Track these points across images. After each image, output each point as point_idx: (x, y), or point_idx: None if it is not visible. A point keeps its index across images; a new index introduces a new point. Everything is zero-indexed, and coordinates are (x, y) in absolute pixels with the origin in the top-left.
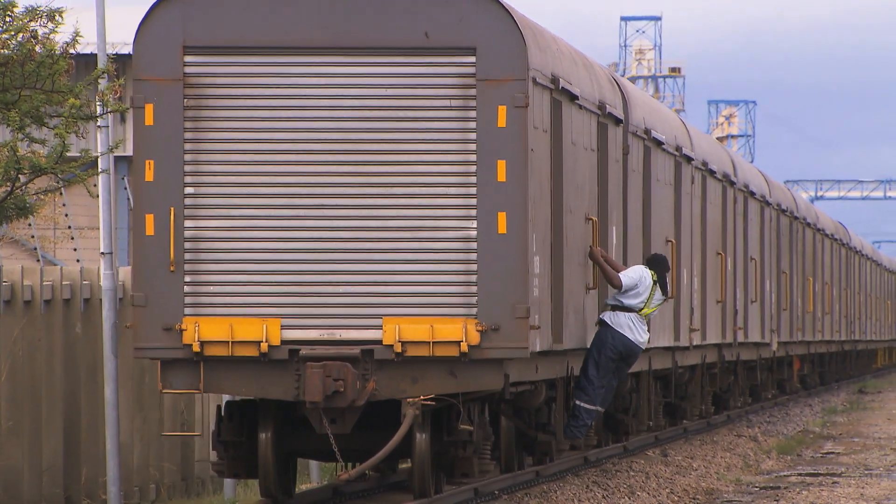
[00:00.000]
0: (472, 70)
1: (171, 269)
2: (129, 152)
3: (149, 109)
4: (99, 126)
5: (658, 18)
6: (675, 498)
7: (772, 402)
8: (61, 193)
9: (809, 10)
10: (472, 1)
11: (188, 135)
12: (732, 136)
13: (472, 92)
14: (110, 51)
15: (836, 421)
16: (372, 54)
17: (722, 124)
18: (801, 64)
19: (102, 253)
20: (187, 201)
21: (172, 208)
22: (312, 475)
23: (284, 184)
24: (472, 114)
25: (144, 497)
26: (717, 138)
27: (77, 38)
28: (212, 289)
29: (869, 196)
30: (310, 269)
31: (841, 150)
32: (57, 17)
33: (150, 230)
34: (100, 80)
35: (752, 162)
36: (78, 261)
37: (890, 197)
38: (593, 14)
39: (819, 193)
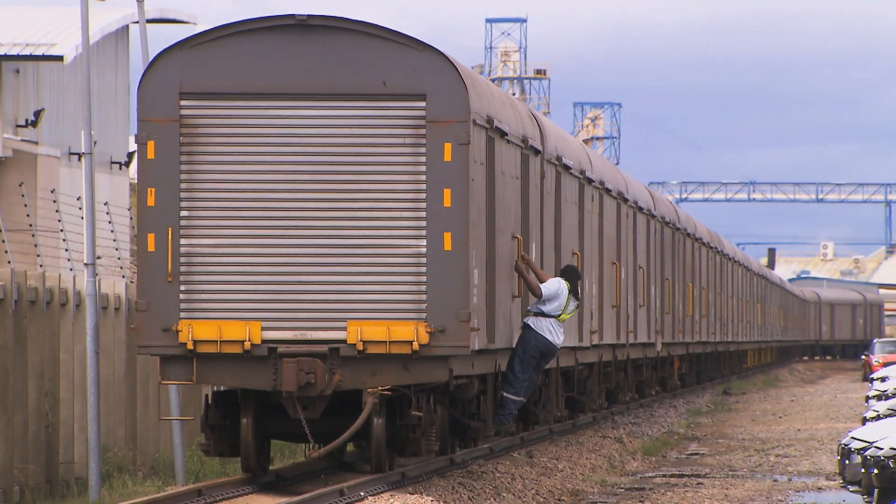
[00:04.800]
0: (422, 113)
1: (169, 279)
2: None
3: (150, 145)
4: None
5: (523, 20)
6: (541, 499)
7: (634, 404)
8: None
9: (677, 14)
10: (423, 55)
11: (183, 166)
12: (598, 139)
13: (423, 131)
14: None
15: (700, 422)
16: (338, 99)
17: (587, 126)
18: (667, 67)
19: None
20: (182, 222)
21: (170, 228)
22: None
23: (264, 208)
24: (423, 150)
25: (8, 499)
26: (583, 140)
27: None
28: (203, 296)
29: (733, 198)
30: (286, 280)
31: (705, 152)
32: None
33: (151, 247)
34: None
35: (617, 164)
36: None
37: (754, 199)
38: (459, 16)
39: (684, 195)
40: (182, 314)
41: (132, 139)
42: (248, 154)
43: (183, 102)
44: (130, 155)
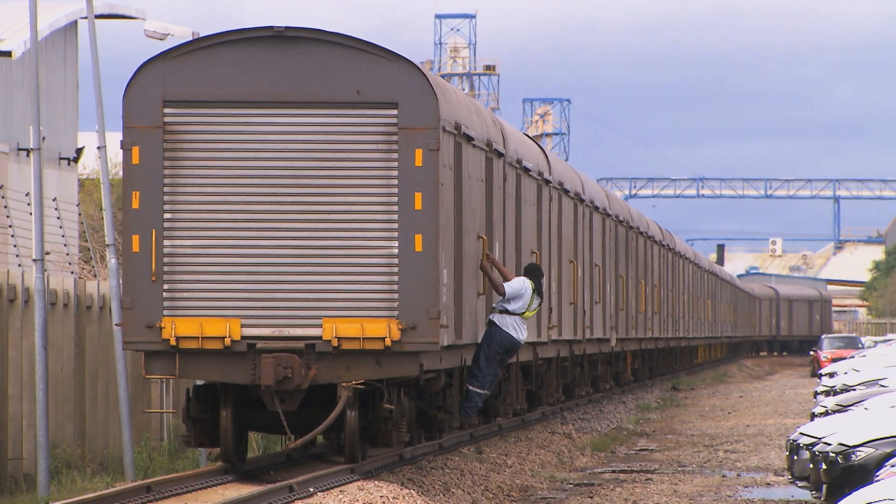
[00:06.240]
0: (394, 120)
1: (153, 278)
2: None
3: (135, 151)
4: None
5: (473, 16)
6: (490, 495)
7: (583, 399)
8: None
9: (626, 10)
10: (395, 65)
11: (166, 171)
12: (547, 135)
13: (395, 138)
14: None
15: (649, 418)
16: (314, 107)
17: (537, 122)
18: (617, 62)
19: None
20: (166, 224)
21: (154, 230)
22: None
23: (244, 210)
24: (395, 155)
25: None
26: (533, 136)
27: None
28: (185, 294)
29: (682, 194)
30: (264, 279)
31: (654, 148)
32: None
33: (135, 248)
34: None
35: (566, 160)
36: None
37: (703, 195)
38: (408, 11)
39: (633, 191)
40: (165, 312)
41: (81, 135)
42: (228, 159)
43: (166, 110)
44: (79, 151)
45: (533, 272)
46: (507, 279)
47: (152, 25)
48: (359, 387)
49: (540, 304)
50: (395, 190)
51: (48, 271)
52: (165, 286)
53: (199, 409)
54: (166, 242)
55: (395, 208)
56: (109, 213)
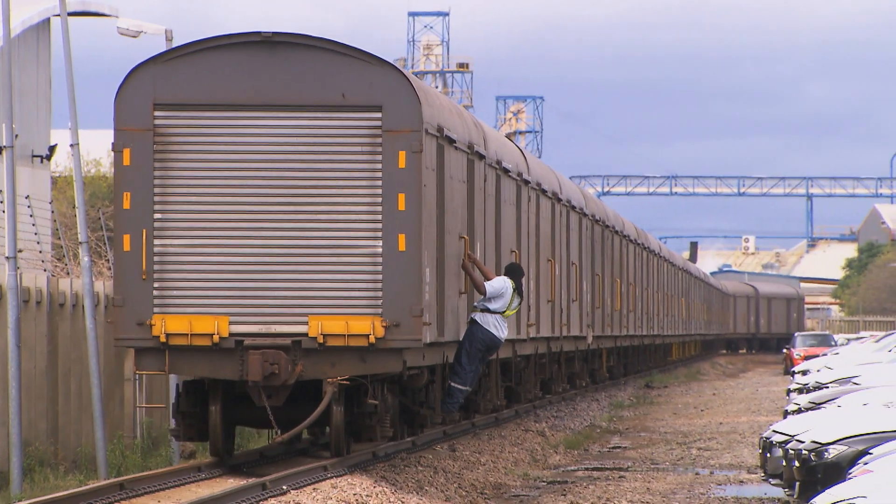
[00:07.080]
0: (378, 123)
1: (143, 277)
2: None
3: (126, 153)
4: None
5: (446, 14)
6: (463, 493)
7: (557, 396)
8: None
9: (600, 7)
10: (379, 70)
11: (157, 172)
12: (521, 132)
13: (379, 140)
14: None
15: (622, 416)
16: (301, 110)
17: (510, 120)
18: (591, 60)
19: None
20: (156, 224)
21: (144, 230)
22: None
23: (232, 210)
24: (379, 157)
25: None
26: (506, 134)
27: None
28: (175, 292)
29: (655, 192)
30: (252, 278)
31: (628, 146)
32: None
33: (126, 247)
34: None
35: (539, 157)
36: None
37: (676, 193)
38: (381, 9)
39: (606, 189)
40: (155, 309)
41: (54, 132)
42: (217, 161)
43: (156, 113)
44: (52, 148)
45: (513, 272)
46: (488, 278)
47: (125, 23)
48: (344, 383)
49: (520, 303)
50: (380, 191)
51: (21, 269)
52: (156, 284)
53: (189, 403)
54: (156, 242)
55: (380, 209)
56: (82, 210)
